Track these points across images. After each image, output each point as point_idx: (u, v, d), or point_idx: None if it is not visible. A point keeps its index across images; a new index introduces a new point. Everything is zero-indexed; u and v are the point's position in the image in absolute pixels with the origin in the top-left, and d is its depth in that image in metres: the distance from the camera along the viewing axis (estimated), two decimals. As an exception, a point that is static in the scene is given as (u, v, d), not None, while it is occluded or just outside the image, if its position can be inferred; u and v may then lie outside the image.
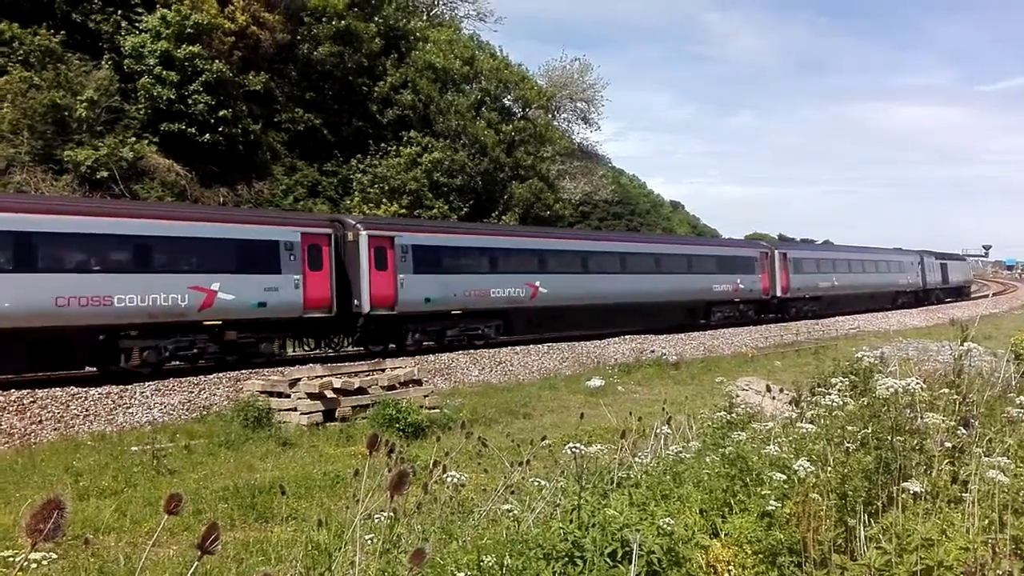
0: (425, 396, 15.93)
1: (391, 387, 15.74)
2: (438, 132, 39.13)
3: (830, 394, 4.70)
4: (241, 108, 32.31)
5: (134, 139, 29.33)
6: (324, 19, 36.80)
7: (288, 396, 15.06)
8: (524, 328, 26.37)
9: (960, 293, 61.33)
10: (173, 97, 29.91)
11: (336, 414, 14.95)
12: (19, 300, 15.70)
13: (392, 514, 3.92)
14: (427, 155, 37.37)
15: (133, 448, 12.78)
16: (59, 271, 16.48)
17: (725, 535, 4.11)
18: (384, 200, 34.92)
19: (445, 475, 4.87)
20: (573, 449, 4.18)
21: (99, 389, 15.94)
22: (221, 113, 30.65)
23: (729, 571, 3.90)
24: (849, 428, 4.42)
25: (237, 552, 7.25)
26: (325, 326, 21.44)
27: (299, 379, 15.17)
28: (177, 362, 18.52)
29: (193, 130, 30.39)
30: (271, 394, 15.35)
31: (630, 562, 3.50)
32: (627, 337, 28.61)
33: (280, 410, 14.97)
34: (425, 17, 50.28)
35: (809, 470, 3.93)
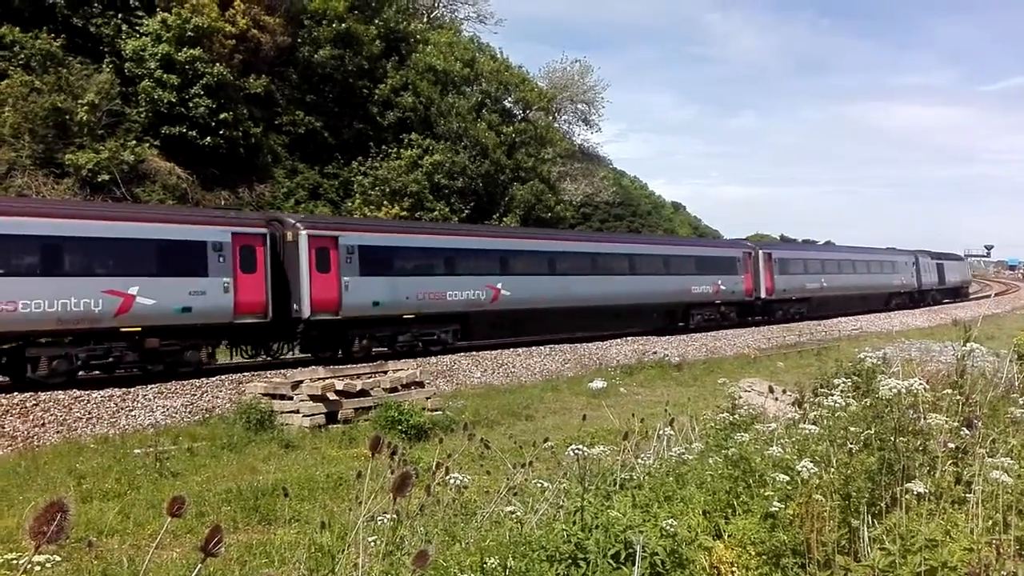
0: (427, 398, 15.93)
1: (393, 389, 15.74)
2: (439, 134, 39.17)
3: (833, 395, 4.70)
4: (242, 111, 32.35)
5: (135, 142, 29.39)
6: (324, 22, 36.86)
7: (290, 398, 15.07)
8: (485, 332, 25.26)
9: (958, 294, 60.13)
10: (174, 100, 29.97)
11: (338, 416, 14.95)
12: None
13: (395, 516, 3.92)
14: (428, 157, 37.41)
15: (136, 451, 12.78)
16: None
17: (728, 536, 4.10)
18: (385, 202, 34.95)
19: (448, 477, 4.87)
20: (576, 451, 4.18)
21: (101, 392, 15.96)
22: (222, 116, 30.70)
23: (732, 572, 3.90)
24: (852, 429, 4.42)
25: (240, 554, 7.26)
26: (260, 332, 20.17)
27: (301, 381, 15.18)
28: (92, 372, 17.43)
29: (194, 133, 30.44)
30: (273, 396, 15.36)
31: (633, 564, 3.50)
32: (629, 339, 28.59)
33: (282, 412, 14.98)
34: (425, 19, 50.34)
35: (812, 471, 3.93)
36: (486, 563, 3.68)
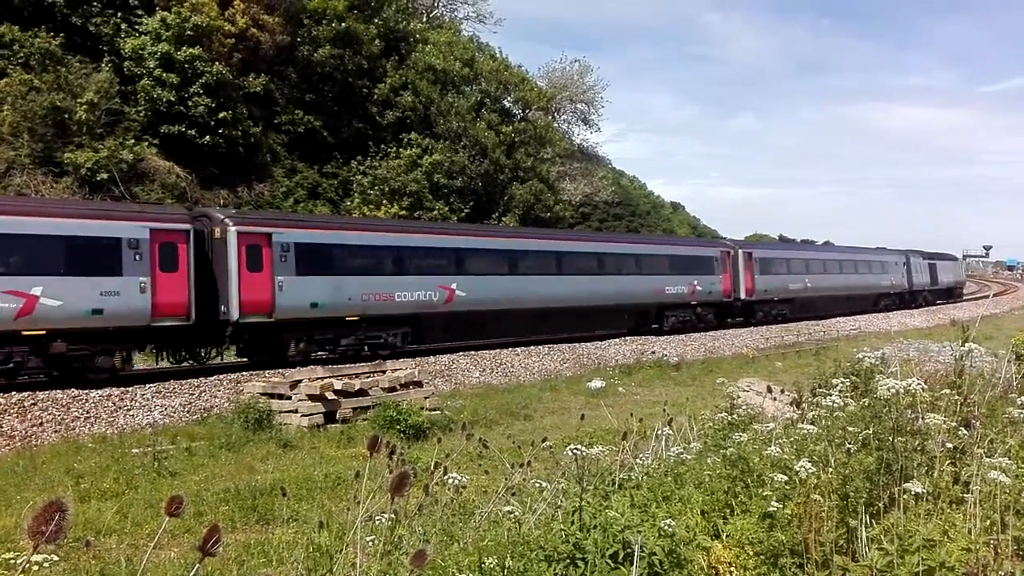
0: (426, 398, 15.93)
1: (392, 389, 15.74)
2: (438, 134, 39.17)
3: (831, 395, 4.70)
4: (241, 110, 32.35)
5: (134, 141, 29.39)
6: (324, 21, 36.86)
7: (289, 398, 15.06)
8: (438, 335, 24.13)
9: (951, 294, 58.76)
10: (173, 99, 29.97)
11: (337, 416, 14.95)
12: None
13: (393, 516, 3.92)
14: (427, 157, 37.41)
15: (134, 450, 12.78)
16: None
17: (727, 536, 4.10)
18: (384, 202, 34.96)
19: (446, 477, 4.87)
20: (574, 450, 4.18)
21: (100, 391, 15.95)
22: (221, 115, 30.70)
23: (731, 572, 3.90)
24: (850, 429, 4.42)
25: (238, 554, 7.26)
26: (183, 336, 18.82)
27: (300, 381, 15.17)
28: None
29: (193, 132, 30.44)
30: (272, 396, 15.36)
31: (631, 564, 3.50)
32: (628, 338, 28.62)
33: (281, 412, 14.97)
34: (425, 19, 50.34)
35: (810, 471, 3.93)
36: (484, 563, 3.69)
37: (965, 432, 4.45)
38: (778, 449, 4.58)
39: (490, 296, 24.38)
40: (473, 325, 24.52)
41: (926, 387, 4.25)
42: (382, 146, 37.99)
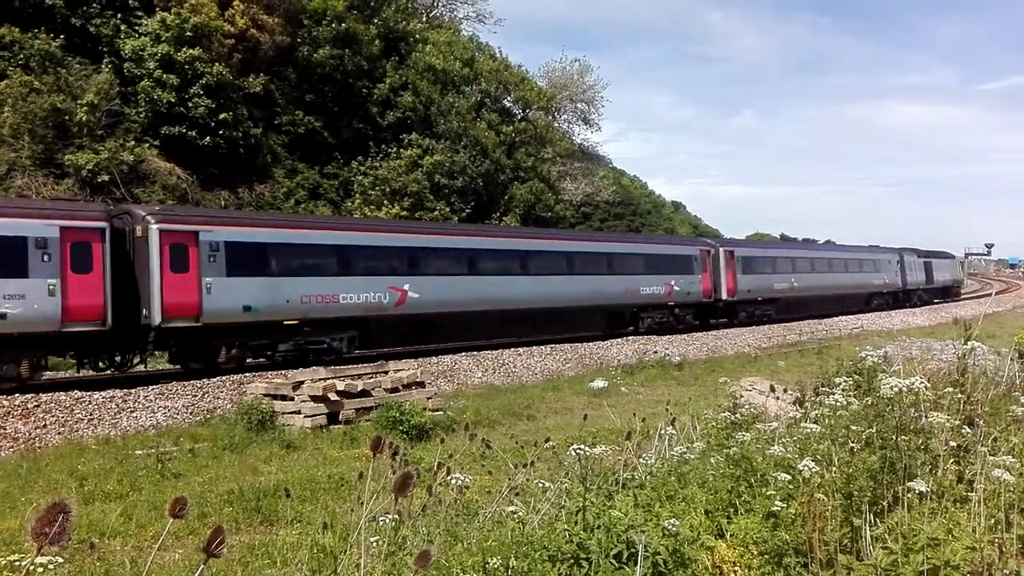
0: (428, 398, 15.93)
1: (394, 389, 15.75)
2: (439, 134, 39.17)
3: (834, 394, 4.69)
4: (241, 111, 32.36)
5: (134, 143, 29.40)
6: (324, 22, 36.87)
7: (292, 399, 15.07)
8: (389, 339, 22.89)
9: (948, 293, 57.73)
10: (173, 100, 29.98)
11: (340, 416, 14.96)
12: None
13: (397, 516, 3.92)
14: (428, 157, 37.41)
15: (138, 452, 12.79)
16: None
17: (731, 536, 4.10)
18: (385, 202, 34.96)
19: (449, 477, 4.87)
20: (577, 450, 4.18)
21: (103, 393, 15.97)
22: (221, 116, 30.70)
23: (735, 572, 3.90)
24: (854, 428, 4.42)
25: (242, 555, 7.26)
26: (99, 342, 17.64)
27: (303, 382, 15.18)
28: None
29: (194, 133, 30.45)
30: (275, 397, 15.37)
31: (635, 563, 3.50)
32: (630, 338, 28.62)
33: (284, 413, 14.99)
34: (424, 19, 50.33)
35: (814, 470, 3.92)
36: (488, 563, 3.69)
37: (969, 430, 4.44)
38: (781, 448, 4.57)
39: (447, 298, 23.22)
40: (429, 328, 23.40)
41: (929, 386, 4.25)
42: (383, 146, 37.99)
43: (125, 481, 10.95)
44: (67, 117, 27.72)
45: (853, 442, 4.30)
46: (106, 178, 27.44)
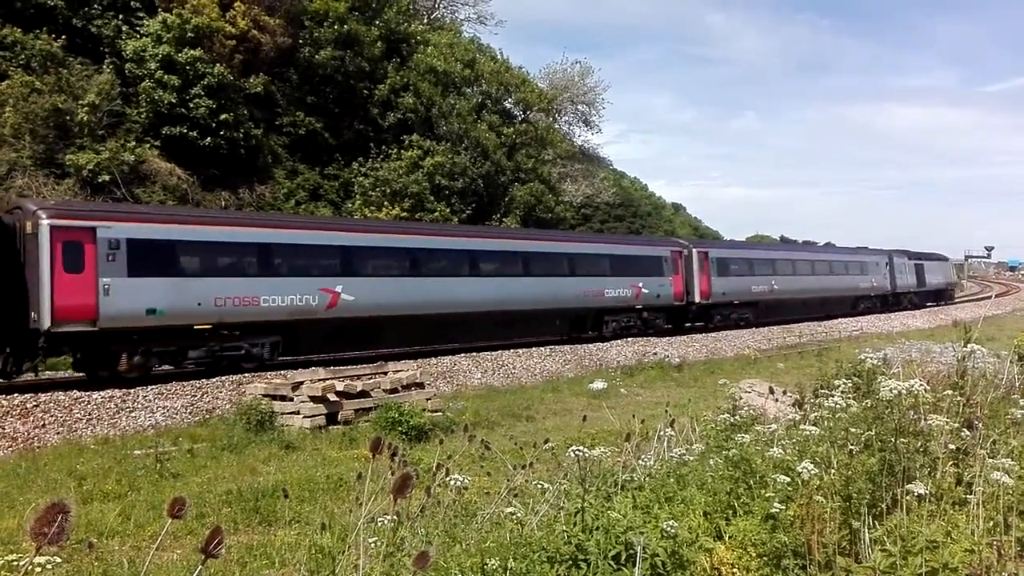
0: (428, 399, 15.93)
1: (393, 390, 15.75)
2: (440, 135, 39.19)
3: (833, 396, 4.70)
4: (242, 112, 32.38)
5: (135, 143, 29.41)
6: (325, 23, 36.89)
7: (291, 399, 15.08)
8: (320, 345, 21.35)
9: (940, 297, 56.19)
10: (174, 101, 29.99)
11: (339, 417, 14.96)
12: None
13: (395, 517, 3.92)
14: (429, 158, 37.43)
15: (136, 452, 12.79)
16: None
17: (729, 538, 4.10)
18: (386, 203, 34.98)
19: (448, 478, 4.87)
20: (576, 452, 4.18)
21: (102, 393, 15.97)
22: (222, 117, 30.71)
23: (733, 574, 3.90)
24: (853, 430, 4.42)
25: (241, 556, 7.26)
26: None
27: (302, 382, 15.18)
28: None
29: (194, 134, 30.46)
30: (274, 397, 15.37)
31: (634, 565, 3.50)
32: (629, 340, 28.61)
33: (283, 413, 14.99)
34: (426, 20, 50.35)
35: (813, 472, 3.92)
36: (487, 564, 3.68)
37: (968, 433, 4.45)
38: (780, 450, 4.57)
39: (386, 300, 21.78)
40: (365, 333, 21.90)
41: (928, 388, 4.25)
42: (383, 148, 38.01)
43: (124, 481, 10.95)
44: (68, 117, 27.74)
45: (852, 444, 4.30)
46: (107, 178, 27.46)
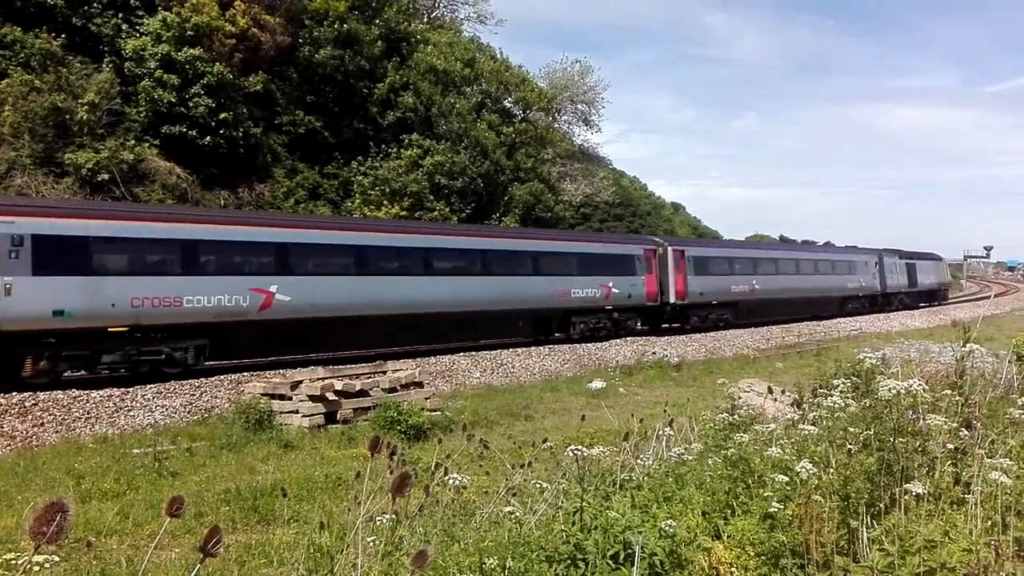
0: (426, 398, 15.93)
1: (392, 389, 15.75)
2: (439, 134, 39.18)
3: (832, 396, 4.70)
4: (242, 111, 32.35)
5: (135, 142, 29.38)
6: (325, 22, 36.88)
7: (289, 398, 15.07)
8: (252, 348, 20.08)
9: (932, 297, 55.21)
10: (174, 100, 29.96)
11: (337, 416, 14.96)
12: None
13: (394, 516, 3.92)
14: (428, 158, 37.42)
15: (135, 451, 12.79)
16: None
17: (727, 537, 4.10)
18: (385, 202, 34.96)
19: (447, 477, 4.87)
20: (575, 451, 4.18)
21: (101, 392, 15.97)
22: (222, 116, 30.68)
23: (732, 573, 3.90)
24: (851, 430, 4.42)
25: (239, 554, 7.26)
26: None
27: (300, 381, 15.18)
28: None
29: (194, 133, 30.43)
30: (272, 396, 15.37)
31: (632, 564, 3.50)
32: (628, 339, 28.62)
33: (281, 412, 14.99)
34: (426, 19, 50.34)
35: (811, 472, 3.93)
36: (485, 563, 3.69)
37: (966, 433, 4.45)
38: (779, 450, 4.58)
39: (328, 301, 20.57)
40: (305, 336, 20.62)
41: (927, 388, 4.25)
42: (383, 147, 38.00)
43: (122, 480, 10.95)
44: (67, 116, 27.71)
45: (851, 444, 4.31)
46: (106, 177, 27.43)
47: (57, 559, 2.06)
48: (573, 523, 3.89)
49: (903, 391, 4.01)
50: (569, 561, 3.69)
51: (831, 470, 4.12)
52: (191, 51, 30.22)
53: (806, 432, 4.84)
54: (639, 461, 5.56)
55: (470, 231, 28.16)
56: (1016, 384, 6.53)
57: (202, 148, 30.75)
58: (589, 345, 26.76)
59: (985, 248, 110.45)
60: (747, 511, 4.27)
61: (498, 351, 23.98)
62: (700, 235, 65.56)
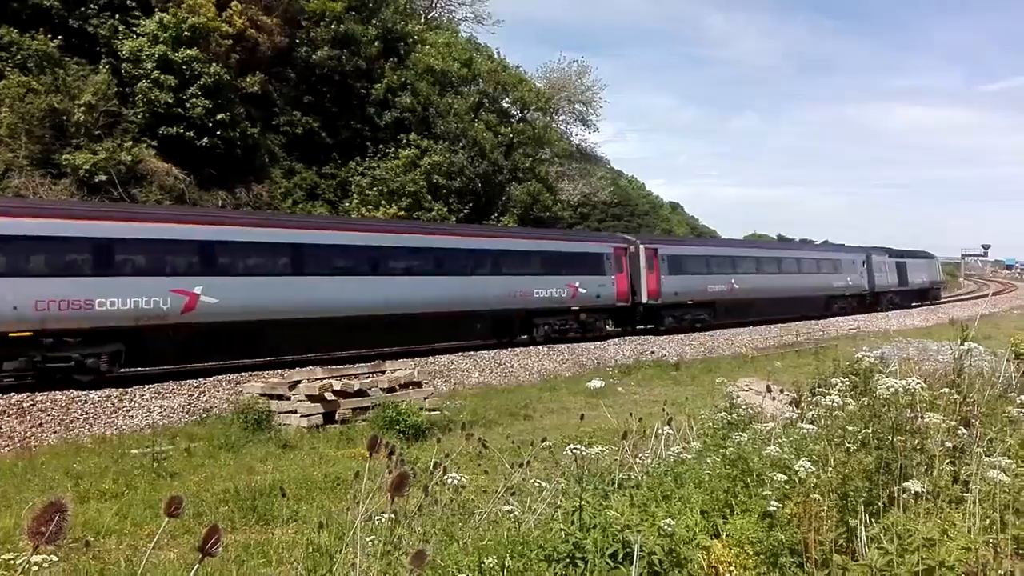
0: (425, 398, 15.93)
1: (391, 389, 15.74)
2: (437, 135, 39.17)
3: (830, 394, 4.70)
4: (239, 111, 32.32)
5: (132, 143, 29.35)
6: (322, 23, 36.86)
7: (288, 398, 15.06)
8: (174, 354, 18.86)
9: (924, 296, 53.78)
10: (171, 101, 29.94)
11: (336, 416, 14.95)
12: None
13: (393, 516, 3.92)
14: (426, 158, 37.41)
15: (133, 451, 12.77)
16: None
17: (726, 536, 4.11)
18: (383, 202, 34.95)
19: (446, 477, 4.87)
20: (574, 450, 4.19)
21: (99, 392, 15.95)
22: (219, 116, 30.66)
23: (730, 572, 3.90)
24: (850, 428, 4.43)
25: (238, 554, 7.25)
26: None
27: (299, 381, 15.17)
28: None
29: (191, 133, 30.41)
30: (271, 396, 15.35)
31: (631, 563, 3.50)
32: (627, 338, 28.63)
33: (280, 412, 14.97)
34: (423, 20, 50.33)
35: (810, 470, 3.93)
36: (484, 563, 3.69)
37: (964, 431, 4.46)
38: (777, 449, 4.58)
39: (259, 304, 19.34)
40: (236, 340, 19.59)
41: (925, 386, 4.25)
42: (380, 147, 38.00)
43: (121, 480, 10.94)
44: (64, 117, 27.67)
45: (849, 442, 4.31)
46: (103, 178, 27.41)
47: (56, 559, 2.06)
48: (572, 522, 3.89)
49: (901, 389, 4.01)
50: (568, 560, 3.69)
51: (830, 469, 4.12)
52: (188, 52, 30.19)
53: (804, 431, 4.84)
54: (638, 460, 5.56)
55: (422, 229, 27.02)
56: (1014, 382, 6.53)
57: (200, 149, 30.73)
58: (588, 344, 26.77)
59: (983, 247, 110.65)
60: (746, 510, 4.27)
61: (496, 351, 23.98)
62: (699, 234, 65.54)
